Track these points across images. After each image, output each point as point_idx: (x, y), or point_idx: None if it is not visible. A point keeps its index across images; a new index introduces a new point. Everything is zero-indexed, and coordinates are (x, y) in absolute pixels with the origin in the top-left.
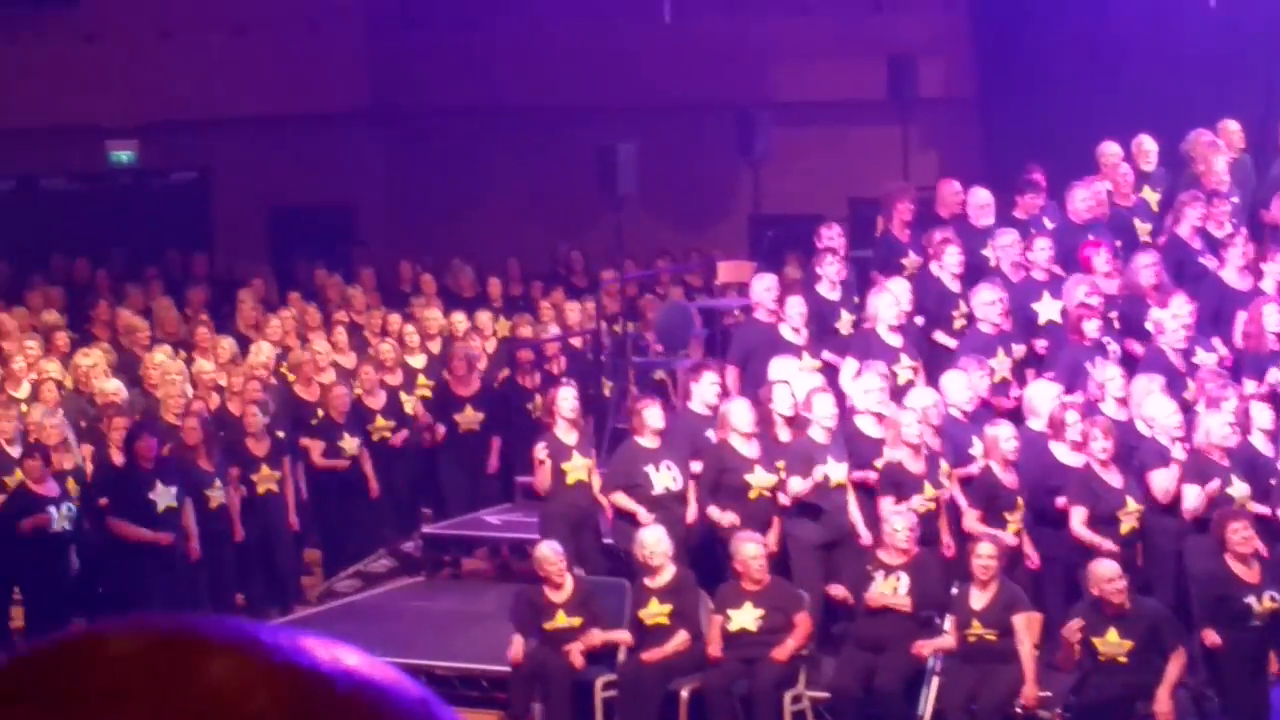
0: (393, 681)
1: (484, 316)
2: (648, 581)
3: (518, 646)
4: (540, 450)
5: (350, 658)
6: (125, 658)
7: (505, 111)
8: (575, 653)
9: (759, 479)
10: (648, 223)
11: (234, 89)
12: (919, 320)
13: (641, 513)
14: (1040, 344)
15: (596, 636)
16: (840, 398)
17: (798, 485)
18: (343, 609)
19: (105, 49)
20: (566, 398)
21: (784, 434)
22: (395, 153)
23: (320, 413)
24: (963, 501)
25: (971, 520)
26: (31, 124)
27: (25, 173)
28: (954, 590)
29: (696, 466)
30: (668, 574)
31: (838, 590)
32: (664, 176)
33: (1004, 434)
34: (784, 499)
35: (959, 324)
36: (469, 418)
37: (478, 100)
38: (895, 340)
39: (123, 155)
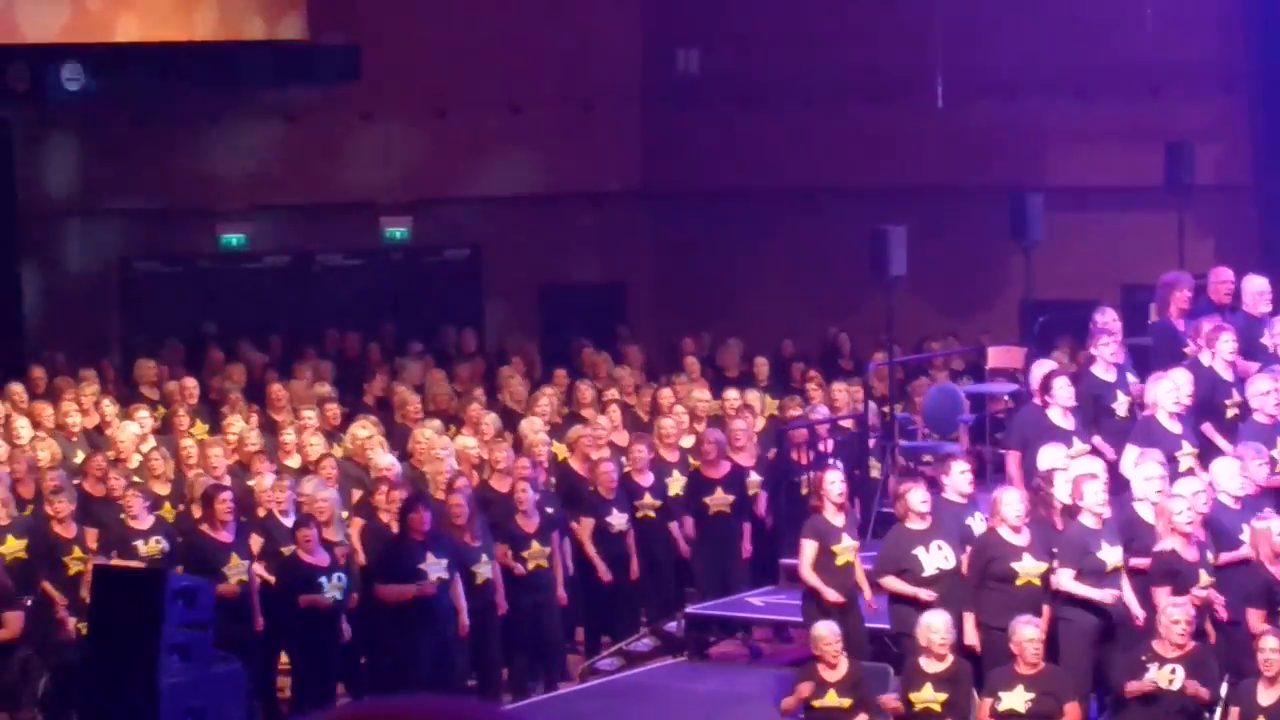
0: None
1: (753, 395)
2: (925, 665)
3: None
4: (807, 533)
5: None
6: None
7: (777, 193)
8: None
9: (1026, 567)
10: (917, 305)
11: (507, 167)
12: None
13: (922, 593)
14: None
15: None
16: (1112, 483)
17: (1067, 581)
18: (603, 687)
19: (382, 126)
20: (834, 480)
21: (1060, 521)
22: (666, 232)
23: (590, 489)
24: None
25: (1256, 620)
26: (309, 200)
27: (302, 248)
28: (1225, 683)
29: None
30: (948, 661)
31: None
32: (935, 259)
33: (1276, 528)
34: (1054, 583)
35: (1231, 414)
36: (719, 500)
37: (749, 181)
38: (1176, 427)
39: (397, 231)
